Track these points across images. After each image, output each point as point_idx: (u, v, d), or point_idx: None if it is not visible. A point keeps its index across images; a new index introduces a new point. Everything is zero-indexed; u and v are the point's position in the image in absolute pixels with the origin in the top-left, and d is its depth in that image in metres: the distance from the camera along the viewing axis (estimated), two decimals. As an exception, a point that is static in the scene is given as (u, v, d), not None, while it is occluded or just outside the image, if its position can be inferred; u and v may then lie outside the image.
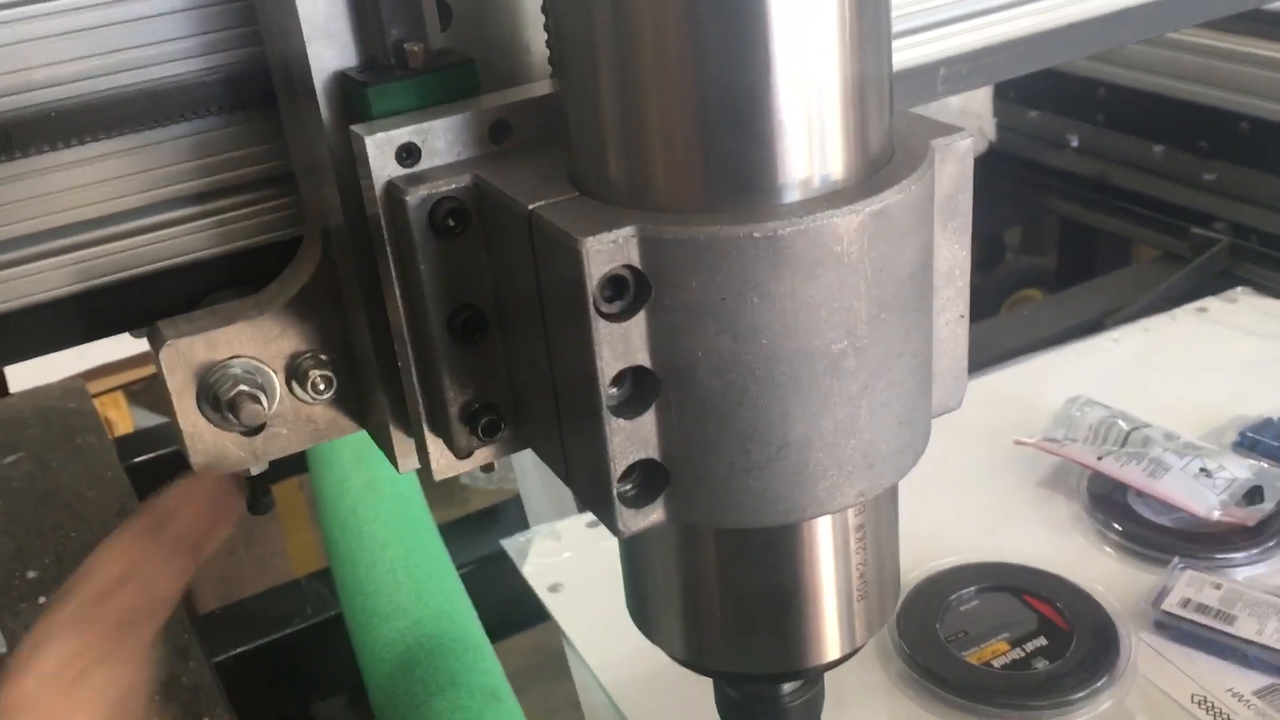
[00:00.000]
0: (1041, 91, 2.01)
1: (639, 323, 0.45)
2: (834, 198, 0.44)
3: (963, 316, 0.54)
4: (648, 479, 0.48)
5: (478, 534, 1.23)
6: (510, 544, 1.17)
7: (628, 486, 0.48)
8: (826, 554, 0.52)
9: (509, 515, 1.24)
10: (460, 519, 1.28)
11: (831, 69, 0.44)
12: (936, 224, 0.50)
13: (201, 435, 0.63)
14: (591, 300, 0.44)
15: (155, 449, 1.36)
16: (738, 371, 0.45)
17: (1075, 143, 1.98)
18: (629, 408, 0.46)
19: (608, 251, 0.43)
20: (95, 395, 2.23)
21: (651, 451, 0.47)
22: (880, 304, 0.46)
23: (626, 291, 0.44)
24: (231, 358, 0.62)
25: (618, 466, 0.47)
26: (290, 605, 1.19)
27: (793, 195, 0.44)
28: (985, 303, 2.35)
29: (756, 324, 0.44)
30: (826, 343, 0.45)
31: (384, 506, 1.04)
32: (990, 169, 1.99)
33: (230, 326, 0.61)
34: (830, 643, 0.54)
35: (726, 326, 0.44)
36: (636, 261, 0.44)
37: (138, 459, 1.33)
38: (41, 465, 1.22)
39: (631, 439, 0.47)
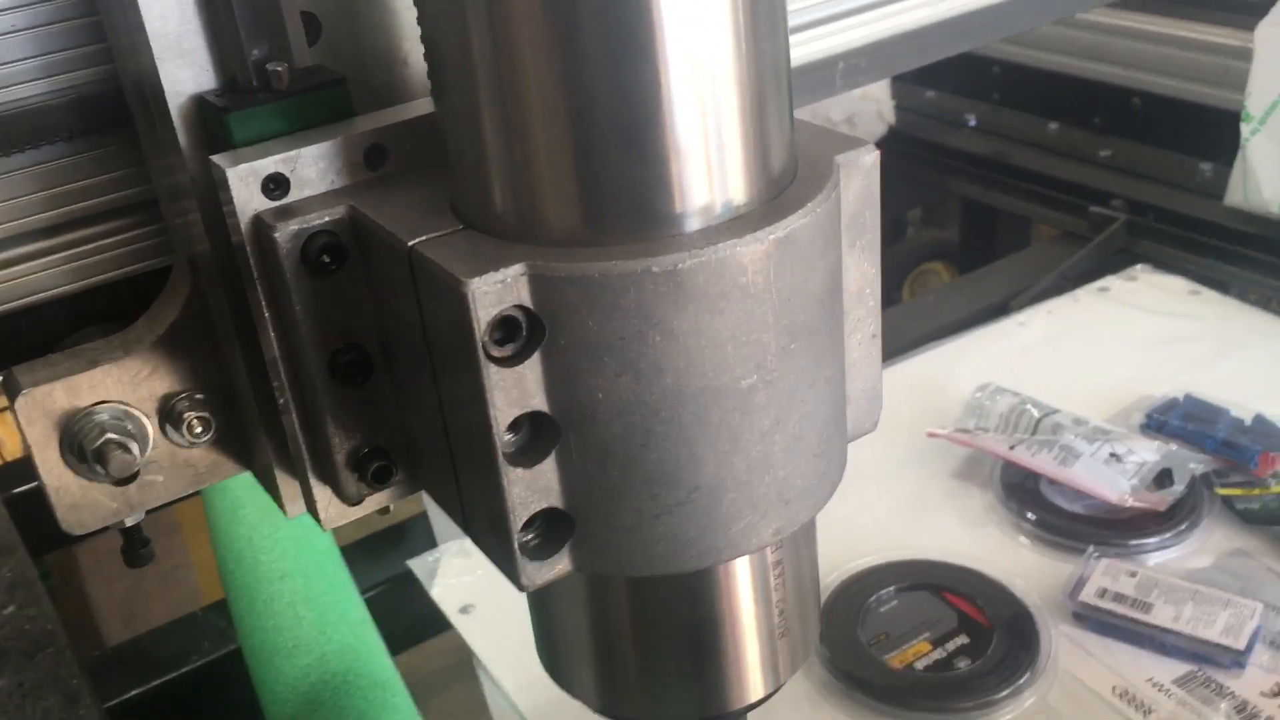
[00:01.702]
0: (937, 71, 2.02)
1: (533, 365, 0.42)
2: (736, 225, 0.41)
3: (875, 336, 0.51)
4: (551, 529, 0.45)
5: (383, 554, 1.18)
6: (417, 564, 1.13)
7: (529, 537, 0.45)
8: (745, 594, 0.49)
9: (416, 533, 1.20)
10: (364, 539, 1.23)
11: (727, 83, 0.41)
12: (844, 243, 0.47)
13: (68, 489, 0.58)
14: (481, 345, 0.40)
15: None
16: (641, 413, 0.42)
17: (973, 122, 1.99)
18: (527, 455, 0.43)
19: (496, 292, 0.40)
20: (-13, 417, 2.13)
21: (554, 500, 0.44)
22: (790, 333, 0.43)
23: (518, 333, 0.41)
24: (97, 404, 0.57)
25: (518, 517, 0.44)
26: (186, 641, 1.13)
27: (692, 224, 0.41)
28: (889, 278, 2.35)
29: (659, 362, 0.41)
30: (735, 378, 0.42)
31: (282, 534, 0.99)
32: (891, 151, 1.98)
33: (94, 370, 0.57)
34: (753, 683, 0.52)
35: (627, 366, 0.41)
36: (528, 301, 0.41)
37: (18, 489, 1.25)
38: (-86, 501, 1.15)
39: (531, 488, 0.44)
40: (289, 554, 0.98)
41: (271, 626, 0.93)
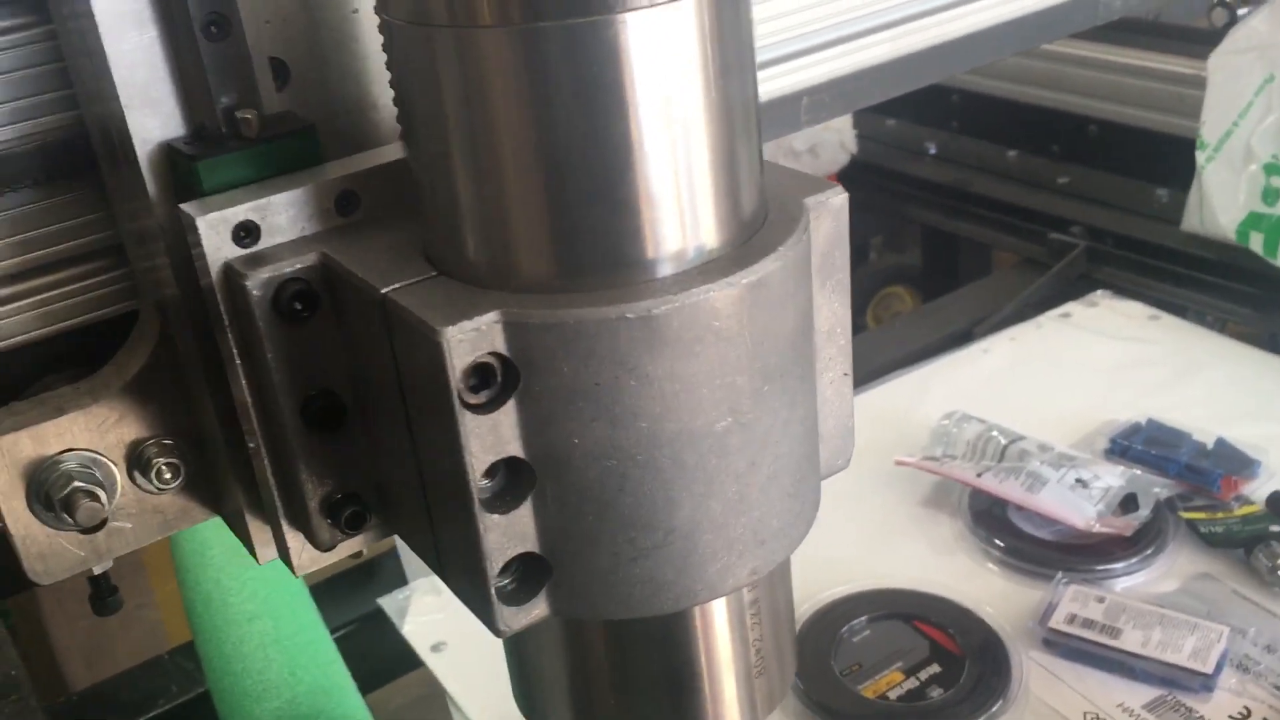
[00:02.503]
0: (898, 101, 2.04)
1: (509, 412, 0.42)
2: (709, 270, 0.42)
3: (846, 374, 0.52)
4: (528, 573, 0.45)
5: (354, 592, 1.17)
6: (388, 602, 1.12)
7: (506, 582, 0.45)
8: (722, 635, 0.49)
9: (386, 570, 1.19)
10: (334, 577, 1.22)
11: (698, 130, 0.41)
12: (815, 283, 0.48)
13: (35, 538, 0.57)
14: (455, 392, 0.40)
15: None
16: (617, 458, 0.42)
17: (933, 150, 2.01)
18: (503, 501, 0.43)
19: (470, 340, 0.40)
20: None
21: (530, 545, 0.44)
22: (763, 376, 0.43)
23: (493, 380, 0.41)
24: (64, 451, 0.56)
25: (494, 563, 0.44)
26: (154, 685, 1.11)
27: (665, 269, 0.42)
28: (852, 302, 2.37)
29: (634, 407, 0.41)
30: (710, 421, 0.42)
31: (250, 574, 0.98)
32: (853, 180, 2.00)
33: (61, 418, 0.56)
34: (729, 723, 0.51)
35: (602, 412, 0.41)
36: (503, 348, 0.41)
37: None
38: None
39: (508, 534, 0.43)
40: (258, 595, 0.97)
41: (241, 670, 0.91)
